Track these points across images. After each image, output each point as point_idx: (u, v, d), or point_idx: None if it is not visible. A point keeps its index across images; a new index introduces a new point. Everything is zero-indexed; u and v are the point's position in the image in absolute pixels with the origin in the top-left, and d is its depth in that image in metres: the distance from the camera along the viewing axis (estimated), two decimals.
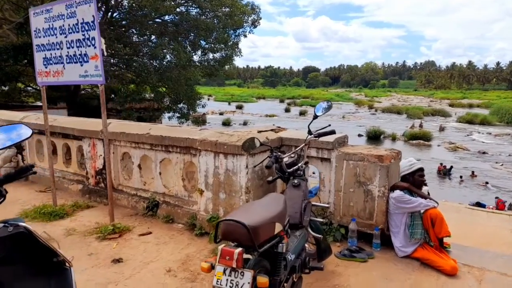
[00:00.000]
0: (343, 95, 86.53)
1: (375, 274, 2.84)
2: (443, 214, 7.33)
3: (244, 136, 3.48)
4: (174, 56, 17.45)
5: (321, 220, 2.81)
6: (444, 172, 19.23)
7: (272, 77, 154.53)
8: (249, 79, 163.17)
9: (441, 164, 20.02)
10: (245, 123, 38.15)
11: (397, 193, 3.17)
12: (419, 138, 28.38)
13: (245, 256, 1.75)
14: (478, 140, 29.58)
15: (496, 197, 14.34)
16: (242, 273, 1.70)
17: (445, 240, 3.20)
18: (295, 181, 2.69)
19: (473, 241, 4.94)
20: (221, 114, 47.72)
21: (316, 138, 2.90)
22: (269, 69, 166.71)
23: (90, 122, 4.76)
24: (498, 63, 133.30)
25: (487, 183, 17.90)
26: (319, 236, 2.75)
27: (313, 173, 5.57)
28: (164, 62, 18.37)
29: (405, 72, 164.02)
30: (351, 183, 3.39)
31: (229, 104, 66.31)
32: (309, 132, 2.89)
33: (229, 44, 20.09)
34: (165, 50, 17.43)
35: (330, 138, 3.51)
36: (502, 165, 21.27)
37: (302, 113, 49.50)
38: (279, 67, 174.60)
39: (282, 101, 71.54)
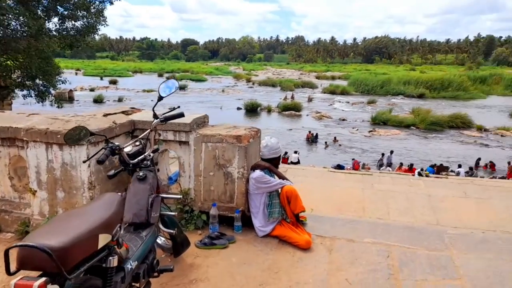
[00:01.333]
0: (222, 69, 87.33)
1: (234, 261, 2.75)
2: (310, 179, 7.88)
3: (84, 122, 2.95)
4: (22, 24, 14.58)
5: (173, 213, 2.55)
6: (312, 139, 21.20)
7: (149, 50, 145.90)
8: (124, 52, 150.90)
9: (309, 132, 21.99)
10: (120, 100, 35.44)
11: (258, 173, 3.11)
12: (291, 109, 30.59)
13: (53, 287, 1.38)
14: (339, 109, 33.41)
15: (353, 159, 16.44)
16: None
17: (302, 214, 3.29)
18: (140, 173, 2.35)
19: (331, 204, 5.40)
20: (91, 90, 43.22)
21: (163, 123, 2.58)
22: (145, 40, 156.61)
23: None
24: (355, 39, 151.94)
25: (335, 138, 21.14)
26: (172, 231, 2.50)
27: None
28: (9, 31, 15.24)
29: (278, 47, 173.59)
30: (210, 166, 3.21)
31: (102, 79, 60.54)
32: (155, 116, 2.55)
33: (92, 11, 17.83)
34: (10, 16, 14.40)
35: (187, 120, 3.25)
36: (357, 130, 24.50)
37: (181, 88, 48.19)
38: (156, 39, 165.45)
39: (160, 75, 68.29)
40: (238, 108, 32.08)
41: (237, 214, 3.15)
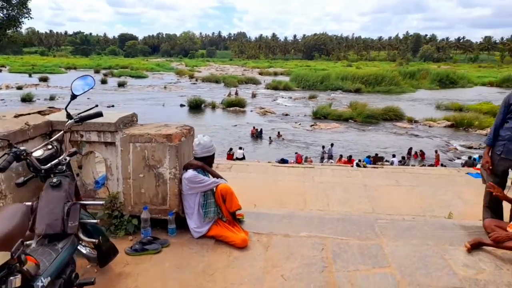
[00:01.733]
0: (164, 65, 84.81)
1: (168, 265, 2.61)
2: (254, 175, 7.86)
3: None
4: None
5: (94, 221, 2.34)
6: (257, 135, 21.34)
7: (84, 45, 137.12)
8: (55, 47, 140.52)
9: (254, 127, 22.11)
10: (52, 98, 32.91)
11: (190, 173, 2.99)
12: (236, 105, 30.52)
13: None
14: (282, 104, 33.99)
15: (296, 152, 16.80)
16: None
17: (239, 212, 3.22)
18: (54, 180, 2.12)
19: (274, 199, 5.41)
20: (19, 88, 39.64)
21: (79, 123, 2.35)
22: (79, 35, 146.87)
23: None
24: (295, 36, 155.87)
25: (279, 132, 21.48)
26: (94, 240, 2.30)
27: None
28: None
29: (221, 43, 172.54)
30: (140, 167, 3.02)
31: (30, 76, 55.95)
32: (69, 116, 2.32)
33: (14, 2, 16.29)
34: None
35: (112, 119, 3.03)
36: (300, 124, 25.13)
37: (121, 84, 46.08)
38: (91, 33, 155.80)
39: (97, 71, 64.46)
40: (182, 105, 31.35)
41: (170, 216, 3.00)
